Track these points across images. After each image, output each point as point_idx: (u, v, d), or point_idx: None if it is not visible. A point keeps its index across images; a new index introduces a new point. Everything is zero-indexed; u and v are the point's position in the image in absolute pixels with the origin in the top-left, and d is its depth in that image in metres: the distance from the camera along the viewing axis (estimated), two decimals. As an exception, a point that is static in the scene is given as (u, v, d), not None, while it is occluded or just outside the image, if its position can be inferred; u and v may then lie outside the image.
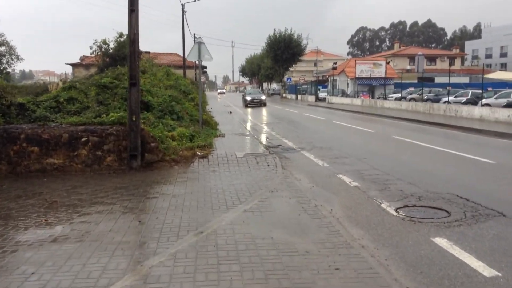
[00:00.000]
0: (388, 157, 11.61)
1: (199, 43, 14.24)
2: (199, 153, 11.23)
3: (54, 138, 10.24)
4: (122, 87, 14.55)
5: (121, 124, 10.69)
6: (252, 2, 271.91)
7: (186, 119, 15.45)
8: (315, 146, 14.00)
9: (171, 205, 7.16)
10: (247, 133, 17.26)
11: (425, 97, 42.45)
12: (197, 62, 15.60)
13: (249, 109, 37.36)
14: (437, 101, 35.99)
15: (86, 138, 10.33)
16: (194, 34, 16.40)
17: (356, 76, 45.54)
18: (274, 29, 70.81)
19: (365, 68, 46.85)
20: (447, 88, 45.52)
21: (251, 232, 5.67)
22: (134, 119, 10.21)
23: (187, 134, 12.31)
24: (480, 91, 37.00)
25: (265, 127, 20.72)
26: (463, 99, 34.90)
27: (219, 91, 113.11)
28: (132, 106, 10.26)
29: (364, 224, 6.15)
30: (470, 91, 37.36)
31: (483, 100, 31.61)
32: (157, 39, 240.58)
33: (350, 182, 8.72)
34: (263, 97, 43.71)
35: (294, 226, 5.94)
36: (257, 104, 41.28)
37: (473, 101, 33.02)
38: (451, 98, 37.03)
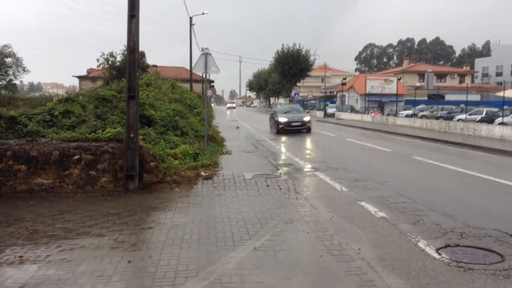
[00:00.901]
0: (412, 181, 10.48)
1: (205, 54, 13.29)
2: (203, 174, 10.17)
3: (43, 156, 9.25)
4: (123, 101, 13.61)
5: (118, 141, 9.69)
6: (259, 18, 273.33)
7: (191, 135, 14.45)
8: (329, 166, 12.90)
9: (168, 239, 6.09)
10: (255, 150, 16.20)
11: (438, 114, 41.33)
12: (203, 75, 14.60)
13: (255, 124, 36.24)
14: (450, 118, 34.89)
15: (78, 156, 9.33)
16: (202, 48, 15.51)
17: (367, 92, 44.45)
18: (282, 44, 69.98)
19: (376, 84, 45.82)
20: (461, 106, 44.54)
21: (264, 282, 4.58)
22: (132, 135, 9.20)
23: (190, 152, 11.28)
24: (495, 109, 35.98)
25: (273, 144, 19.66)
26: (478, 117, 33.79)
27: (228, 105, 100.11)
28: (130, 121, 9.25)
29: (403, 271, 5.03)
30: (485, 109, 36.28)
31: (499, 118, 30.50)
32: (166, 53, 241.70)
33: (375, 212, 7.59)
34: (307, 118, 26.56)
35: (317, 272, 4.84)
36: (297, 128, 25.48)
37: (489, 120, 31.90)
38: (464, 116, 35.94)
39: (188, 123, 15.54)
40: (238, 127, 29.67)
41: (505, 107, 39.20)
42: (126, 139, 9.23)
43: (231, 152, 14.80)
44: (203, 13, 39.51)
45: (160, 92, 19.67)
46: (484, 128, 22.61)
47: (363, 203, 8.26)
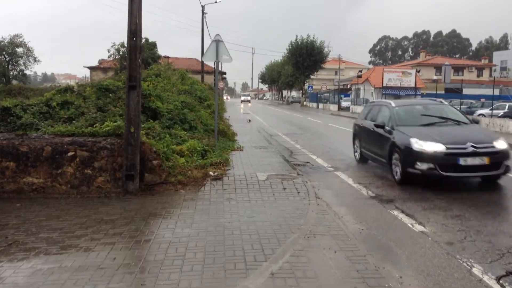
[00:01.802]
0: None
1: (216, 41, 12.18)
2: (212, 174, 9.12)
3: (34, 152, 8.27)
4: (127, 91, 12.63)
5: (118, 136, 8.68)
6: (272, 10, 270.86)
7: (200, 129, 13.39)
8: (350, 165, 11.78)
9: (167, 258, 5.05)
10: (268, 145, 15.11)
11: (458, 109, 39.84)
12: (215, 65, 13.50)
13: (268, 117, 35.11)
14: (471, 113, 33.48)
15: (73, 153, 8.33)
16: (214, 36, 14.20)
17: (384, 84, 43.00)
18: (296, 36, 68.87)
19: (393, 76, 44.28)
20: (481, 100, 42.92)
21: (286, 328, 3.52)
22: (132, 130, 8.17)
23: (199, 148, 10.22)
24: (518, 104, 34.41)
25: (288, 139, 18.54)
26: (500, 112, 32.33)
27: (242, 98, 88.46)
28: (130, 114, 8.22)
29: (462, 313, 3.93)
30: (508, 104, 34.77)
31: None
32: (178, 45, 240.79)
33: (412, 225, 6.47)
34: (500, 144, 9.02)
35: (353, 313, 3.77)
36: (479, 173, 9.00)
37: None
38: (486, 111, 34.51)
39: (197, 116, 14.49)
40: (250, 120, 28.61)
41: (529, 102, 37.62)
42: (126, 134, 8.20)
43: (243, 148, 13.73)
44: (216, 1, 38.31)
45: (169, 83, 18.64)
46: (512, 124, 21.27)
47: (395, 213, 7.13)
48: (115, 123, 8.80)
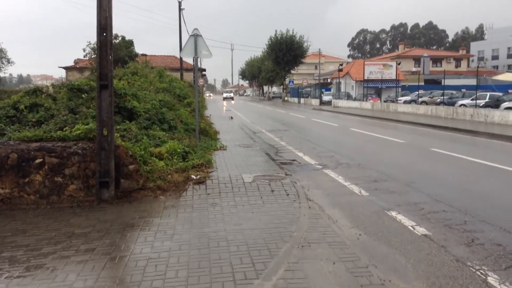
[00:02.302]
0: (444, 181, 8.86)
1: (195, 36, 11.53)
2: (194, 177, 8.50)
3: (-2, 160, 7.53)
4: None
5: (90, 140, 7.98)
6: (250, 5, 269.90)
7: (180, 128, 12.73)
8: (339, 162, 11.28)
9: (145, 279, 4.44)
10: (253, 143, 14.53)
11: (438, 100, 39.82)
12: (194, 62, 12.82)
13: (250, 114, 34.54)
14: (452, 104, 33.49)
15: (41, 159, 7.62)
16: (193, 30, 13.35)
17: (365, 78, 42.78)
18: (276, 31, 68.32)
19: (374, 69, 44.12)
20: (462, 90, 43.03)
21: None
22: (105, 133, 7.50)
23: (179, 150, 9.57)
24: (499, 94, 34.53)
25: (272, 136, 17.99)
26: (481, 102, 32.37)
27: (225, 95, 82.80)
28: (102, 115, 7.55)
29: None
30: (488, 94, 34.90)
31: (505, 103, 29.04)
32: (157, 43, 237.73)
33: (413, 228, 5.97)
34: None
35: None
36: None
37: (494, 105, 30.49)
38: (467, 101, 34.56)
39: (177, 115, 13.83)
40: (232, 118, 27.98)
41: (510, 90, 37.81)
42: (98, 137, 7.53)
43: (226, 147, 13.12)
44: (193, -3, 37.45)
45: (147, 81, 17.90)
46: (497, 114, 21.12)
47: (393, 213, 6.64)
48: (86, 126, 8.09)
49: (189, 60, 40.67)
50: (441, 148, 13.06)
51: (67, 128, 8.33)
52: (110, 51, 7.59)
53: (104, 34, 7.51)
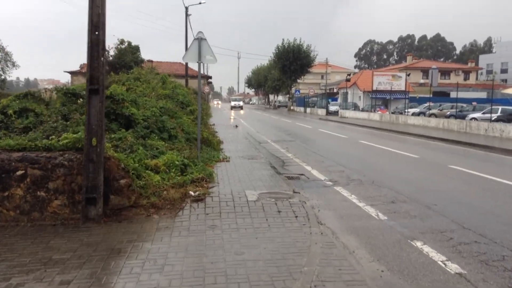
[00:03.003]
0: (471, 205, 7.98)
1: (199, 39, 10.77)
2: (192, 194, 7.68)
3: (-26, 171, 6.76)
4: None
5: (78, 151, 7.20)
6: (257, 15, 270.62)
7: (181, 138, 11.94)
8: (350, 178, 10.44)
9: (124, 328, 3.62)
10: (257, 155, 13.72)
11: (448, 113, 38.92)
12: (199, 68, 12.06)
13: (255, 122, 33.78)
14: (462, 117, 32.62)
15: (23, 171, 6.85)
16: (197, 33, 12.61)
17: (374, 88, 41.96)
18: (283, 39, 67.50)
19: (383, 80, 43.30)
20: (473, 103, 42.11)
21: None
22: (94, 143, 6.72)
23: (177, 162, 8.76)
24: (511, 108, 33.60)
25: (278, 147, 17.17)
26: (493, 116, 31.49)
27: (233, 103, 72.32)
28: (91, 124, 6.77)
29: None
30: (500, 108, 33.99)
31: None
32: (165, 50, 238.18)
33: (444, 263, 5.11)
34: None
35: None
36: None
37: (506, 119, 29.59)
38: (478, 114, 33.70)
39: (178, 124, 13.05)
40: (237, 126, 27.23)
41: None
42: (86, 148, 6.74)
43: (229, 159, 12.32)
44: (200, 3, 36.94)
45: (149, 87, 17.17)
46: (514, 129, 20.21)
47: (418, 244, 5.78)
48: (74, 135, 7.31)
49: (194, 66, 40.02)
50: (459, 165, 12.17)
51: (53, 137, 7.54)
52: (103, 52, 6.83)
53: (96, 32, 6.76)
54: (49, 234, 6.25)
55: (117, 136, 9.15)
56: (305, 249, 5.43)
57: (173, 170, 8.48)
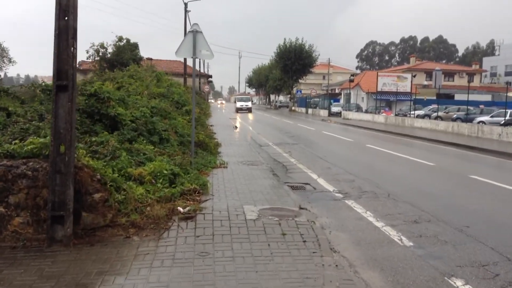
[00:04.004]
0: (507, 225, 6.86)
1: (194, 32, 9.63)
2: (181, 210, 6.53)
3: None
4: (81, 94, 10.06)
5: (46, 158, 6.05)
6: (258, 15, 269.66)
7: (173, 141, 10.78)
8: (362, 189, 9.29)
9: None
10: (258, 160, 12.57)
11: (454, 115, 37.80)
12: (197, 65, 10.90)
13: (255, 123, 32.56)
14: (470, 120, 31.53)
15: (-23, 183, 5.71)
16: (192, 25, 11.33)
17: (379, 89, 40.78)
18: (284, 39, 66.30)
19: (388, 81, 42.11)
20: (480, 106, 40.96)
21: None
22: (62, 150, 5.58)
23: (166, 171, 7.60)
24: (520, 111, 32.49)
25: (280, 151, 16.02)
26: (501, 119, 30.38)
27: (239, 104, 56.03)
28: (59, 127, 5.63)
29: None
30: (510, 111, 32.86)
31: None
32: (165, 48, 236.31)
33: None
34: None
35: None
36: None
37: (517, 123, 28.50)
38: (486, 118, 32.63)
39: (171, 125, 11.91)
40: (236, 127, 26.11)
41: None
42: (52, 156, 5.60)
43: (227, 164, 11.17)
44: (199, -1, 35.78)
45: (142, 85, 16.04)
46: (530, 134, 19.06)
47: (459, 284, 4.62)
48: (41, 140, 6.16)
49: (190, 62, 38.91)
50: (481, 176, 10.99)
51: (16, 141, 6.39)
52: (73, 41, 5.67)
53: (66, 17, 5.61)
54: (5, 260, 5.12)
55: (98, 140, 8.00)
56: (318, 290, 4.29)
57: (161, 180, 7.32)
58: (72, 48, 5.66)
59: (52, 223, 5.57)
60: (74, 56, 5.71)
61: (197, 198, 7.30)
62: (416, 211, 7.49)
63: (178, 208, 6.53)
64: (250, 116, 45.20)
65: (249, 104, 56.22)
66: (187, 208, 6.59)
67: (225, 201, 7.39)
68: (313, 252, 5.30)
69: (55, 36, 5.65)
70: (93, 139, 8.14)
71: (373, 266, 5.11)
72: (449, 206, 7.97)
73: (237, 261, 5.01)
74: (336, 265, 4.94)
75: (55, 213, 5.55)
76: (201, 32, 9.73)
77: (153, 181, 7.22)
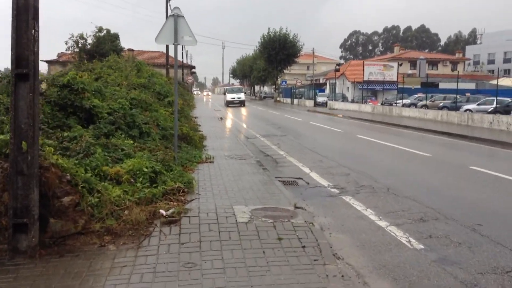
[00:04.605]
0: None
1: (175, 16, 8.86)
2: (163, 213, 5.83)
3: None
4: (54, 85, 9.30)
5: (6, 158, 5.30)
6: (241, 4, 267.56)
7: (155, 135, 10.02)
8: (359, 183, 8.69)
9: None
10: (246, 153, 11.90)
11: (440, 104, 37.58)
12: (179, 55, 10.14)
13: (241, 115, 31.85)
14: (456, 109, 31.32)
15: None
16: (173, 9, 10.43)
17: (365, 79, 40.29)
18: (268, 28, 65.37)
19: (374, 70, 41.69)
20: (466, 94, 40.83)
21: None
22: (24, 148, 4.83)
23: (146, 169, 6.87)
24: (508, 99, 32.38)
25: (268, 143, 15.37)
26: (489, 107, 30.21)
27: (230, 97, 47.37)
28: (20, 122, 4.87)
29: None
30: (495, 99, 32.78)
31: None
32: (147, 39, 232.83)
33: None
34: None
35: None
36: None
37: (503, 111, 28.30)
38: (473, 106, 32.50)
39: (152, 118, 11.15)
40: (222, 118, 25.39)
41: (520, 96, 35.66)
42: (13, 155, 4.85)
43: (214, 159, 10.49)
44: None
45: (121, 75, 15.19)
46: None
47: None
48: (0, 137, 5.39)
49: (172, 52, 37.93)
50: (482, 166, 10.48)
51: (-27, 138, 5.60)
52: (34, 23, 4.90)
53: (25, -5, 4.83)
54: (-42, 277, 4.37)
55: (71, 135, 7.25)
56: (325, 309, 3.65)
57: (140, 179, 6.60)
58: (33, 31, 4.89)
59: (14, 232, 4.84)
60: (35, 39, 4.94)
61: (182, 198, 6.61)
62: (420, 208, 6.91)
63: (160, 210, 5.82)
64: (235, 107, 44.32)
65: (242, 96, 48.04)
66: (171, 211, 5.89)
67: (213, 200, 6.71)
68: (315, 260, 4.67)
69: (12, 17, 4.86)
70: (65, 134, 7.39)
71: (384, 275, 4.50)
72: (455, 201, 7.41)
73: (228, 274, 4.35)
74: (342, 276, 4.31)
75: (18, 221, 4.82)
76: (182, 16, 8.98)
77: (132, 180, 6.50)
